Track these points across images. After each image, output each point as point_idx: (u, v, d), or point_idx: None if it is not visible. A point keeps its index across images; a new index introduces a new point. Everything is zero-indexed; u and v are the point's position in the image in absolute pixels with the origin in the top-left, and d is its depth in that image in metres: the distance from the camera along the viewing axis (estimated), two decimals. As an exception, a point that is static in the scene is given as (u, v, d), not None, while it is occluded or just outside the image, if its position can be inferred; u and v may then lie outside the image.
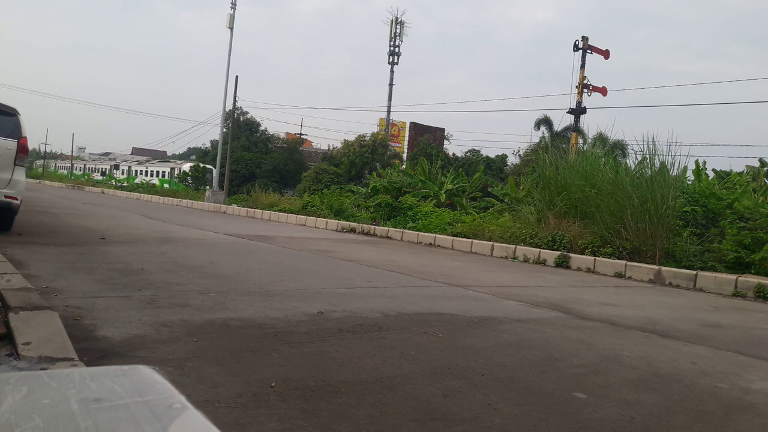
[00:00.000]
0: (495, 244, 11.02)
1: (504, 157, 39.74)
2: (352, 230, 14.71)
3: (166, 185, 39.56)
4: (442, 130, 49.80)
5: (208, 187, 31.08)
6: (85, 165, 63.91)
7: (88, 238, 8.47)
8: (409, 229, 13.84)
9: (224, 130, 30.29)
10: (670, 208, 9.53)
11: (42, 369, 2.26)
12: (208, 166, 36.72)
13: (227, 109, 29.27)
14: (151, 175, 47.31)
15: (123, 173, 52.54)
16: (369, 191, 21.35)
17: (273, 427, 2.17)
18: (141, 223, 12.66)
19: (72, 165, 63.64)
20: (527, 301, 5.73)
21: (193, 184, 35.16)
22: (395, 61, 51.64)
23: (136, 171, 50.88)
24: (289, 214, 17.98)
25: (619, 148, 19.48)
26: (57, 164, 71.09)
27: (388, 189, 20.46)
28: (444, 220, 14.17)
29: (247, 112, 53.18)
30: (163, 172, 46.56)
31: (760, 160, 24.78)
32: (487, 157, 39.52)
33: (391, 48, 51.63)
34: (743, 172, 22.68)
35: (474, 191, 22.98)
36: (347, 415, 2.34)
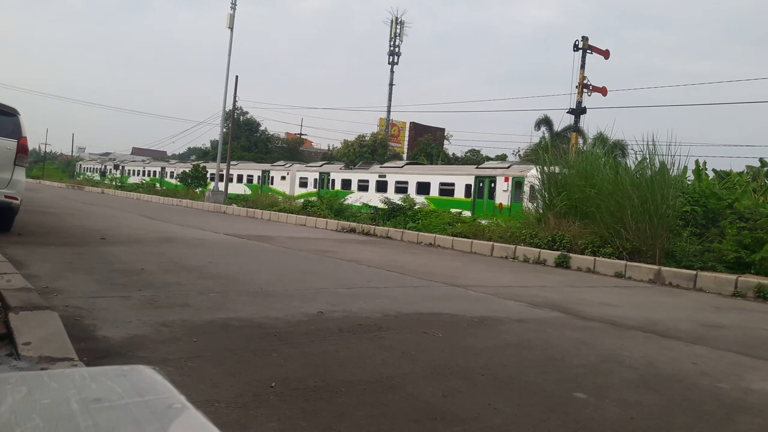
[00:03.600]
0: (495, 244, 11.02)
1: (504, 157, 39.82)
2: (353, 230, 14.70)
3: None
4: (442, 130, 49.85)
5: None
6: (101, 165, 59.83)
7: (88, 238, 8.46)
8: (409, 229, 13.83)
9: (224, 130, 30.28)
10: (670, 208, 9.52)
11: (42, 369, 2.26)
12: None
13: (227, 109, 29.25)
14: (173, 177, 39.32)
15: (161, 174, 45.42)
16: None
17: (273, 427, 2.17)
18: (141, 223, 12.66)
19: (81, 167, 61.89)
20: (527, 301, 5.72)
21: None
22: (395, 61, 51.66)
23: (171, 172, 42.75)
24: (290, 214, 17.98)
25: (619, 148, 19.48)
26: (83, 165, 63.55)
27: (388, 189, 20.47)
28: (444, 220, 14.17)
29: (247, 112, 53.29)
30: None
31: (760, 160, 24.81)
32: (487, 157, 39.62)
33: (391, 48, 51.65)
34: (743, 172, 22.70)
35: (474, 191, 22.93)
36: (347, 415, 2.34)
